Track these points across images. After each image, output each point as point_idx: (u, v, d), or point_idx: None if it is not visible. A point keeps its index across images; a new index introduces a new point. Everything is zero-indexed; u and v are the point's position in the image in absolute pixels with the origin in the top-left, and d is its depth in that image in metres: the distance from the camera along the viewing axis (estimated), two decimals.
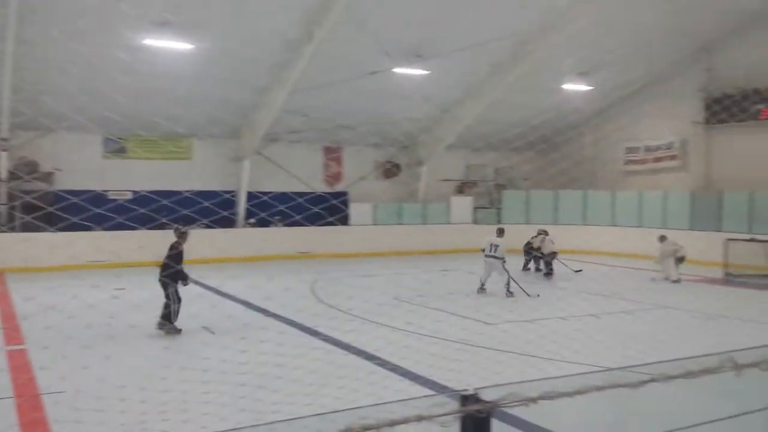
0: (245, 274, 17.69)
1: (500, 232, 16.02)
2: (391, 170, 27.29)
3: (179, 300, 10.74)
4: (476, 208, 27.15)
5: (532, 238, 19.43)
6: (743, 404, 6.82)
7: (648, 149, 25.89)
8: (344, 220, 24.10)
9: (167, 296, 10.62)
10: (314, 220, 20.93)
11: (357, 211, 24.74)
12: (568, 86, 23.42)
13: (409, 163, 27.30)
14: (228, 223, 22.49)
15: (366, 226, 24.55)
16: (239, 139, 23.41)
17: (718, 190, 22.63)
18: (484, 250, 15.08)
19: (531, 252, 19.38)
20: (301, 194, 21.87)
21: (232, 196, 23.05)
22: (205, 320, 11.24)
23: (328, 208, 23.43)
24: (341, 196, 24.68)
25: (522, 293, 14.42)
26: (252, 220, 23.14)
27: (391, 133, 23.58)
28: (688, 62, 23.82)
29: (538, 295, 14.48)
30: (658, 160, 25.53)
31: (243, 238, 22.29)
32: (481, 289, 15.04)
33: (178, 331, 10.61)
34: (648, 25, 20.17)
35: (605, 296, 14.66)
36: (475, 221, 26.55)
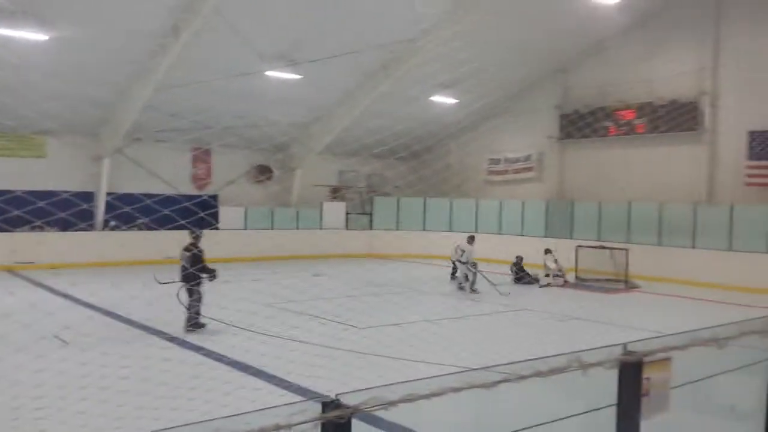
0: (104, 280, 16.70)
1: (471, 240, 17.74)
2: (263, 174, 26.88)
3: (200, 297, 11.48)
4: (348, 214, 27.39)
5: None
6: (592, 401, 7.38)
7: (508, 161, 27.43)
8: (213, 224, 23.39)
9: (191, 296, 11.34)
10: (179, 222, 20.12)
11: (227, 215, 24.11)
12: (436, 98, 24.27)
13: (282, 168, 27.03)
14: (87, 225, 21.09)
15: (236, 231, 24.00)
16: (99, 137, 22.07)
17: (571, 200, 24.42)
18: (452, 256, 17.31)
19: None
20: (167, 196, 20.98)
21: (90, 197, 21.65)
22: (59, 329, 10.50)
23: (196, 212, 22.62)
24: (210, 199, 23.93)
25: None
26: (113, 223, 21.88)
27: (264, 136, 23.22)
28: (546, 80, 25.54)
29: (509, 293, 15.81)
30: (517, 171, 27.12)
31: (103, 242, 21.00)
32: (460, 286, 17.17)
33: (203, 325, 11.34)
34: (510, 43, 21.39)
35: (468, 300, 15.31)
36: (348, 227, 26.80)
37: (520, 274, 19.30)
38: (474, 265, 16.77)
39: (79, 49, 17.23)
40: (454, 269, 18.87)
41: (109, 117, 21.20)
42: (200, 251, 11.80)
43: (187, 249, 11.72)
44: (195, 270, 11.22)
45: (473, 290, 16.57)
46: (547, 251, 19.56)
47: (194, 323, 11.30)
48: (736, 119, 20.41)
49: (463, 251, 16.97)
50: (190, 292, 11.43)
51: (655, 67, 22.21)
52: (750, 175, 19.98)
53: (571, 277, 19.58)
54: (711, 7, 21.00)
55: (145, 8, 16.40)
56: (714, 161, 21.29)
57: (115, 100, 20.34)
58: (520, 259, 19.55)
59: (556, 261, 19.33)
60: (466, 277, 16.80)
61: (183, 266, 11.54)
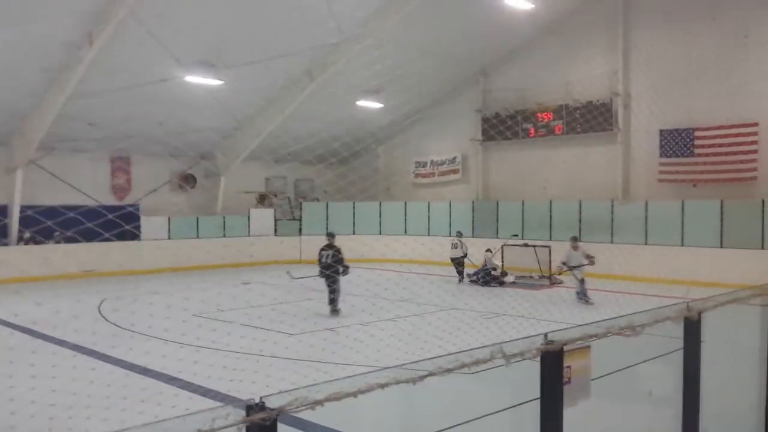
0: (20, 297, 15.90)
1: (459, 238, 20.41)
2: (186, 182, 26.22)
3: (339, 289, 13.82)
4: (277, 220, 27.09)
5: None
6: (518, 393, 7.58)
7: (434, 163, 27.85)
8: (135, 235, 22.63)
9: (332, 288, 13.71)
10: (100, 235, 19.43)
11: (149, 224, 23.38)
12: (362, 102, 24.35)
13: (206, 175, 26.47)
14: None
15: (160, 241, 23.31)
16: (10, 147, 20.97)
17: (495, 200, 25.01)
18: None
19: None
20: (84, 207, 20.15)
21: (2, 210, 20.54)
22: None
23: (116, 222, 21.84)
24: (131, 209, 23.12)
25: None
26: (27, 235, 20.82)
27: (186, 143, 22.69)
28: (468, 84, 26.10)
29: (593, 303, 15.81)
30: (443, 173, 27.57)
31: (17, 257, 19.98)
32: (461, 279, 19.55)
33: (339, 311, 13.64)
34: (431, 48, 21.73)
35: (399, 301, 15.41)
36: (277, 233, 26.50)
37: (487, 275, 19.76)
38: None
39: None
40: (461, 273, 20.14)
41: (22, 126, 20.19)
42: (339, 250, 14.06)
43: (328, 248, 14.00)
44: (336, 270, 13.61)
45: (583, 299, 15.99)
46: (488, 251, 20.11)
47: (335, 309, 13.73)
48: (648, 119, 21.41)
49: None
50: (332, 284, 13.69)
51: (571, 70, 23.09)
52: (662, 172, 21.01)
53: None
54: (620, 13, 22.00)
55: (57, 13, 15.75)
56: (628, 160, 22.28)
57: (28, 108, 19.40)
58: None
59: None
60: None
61: (325, 263, 13.71)
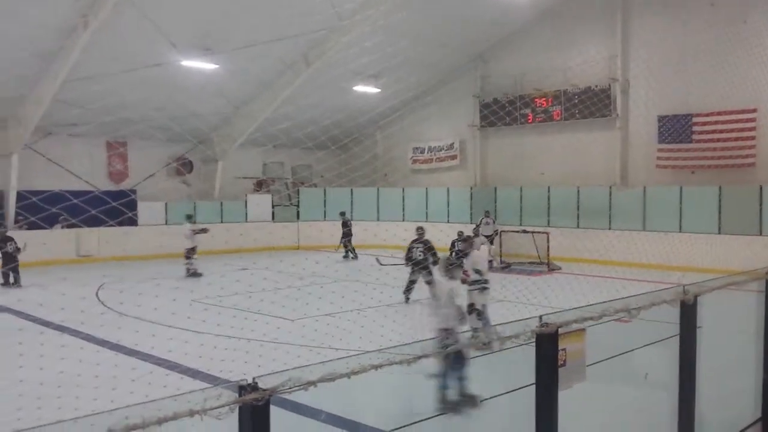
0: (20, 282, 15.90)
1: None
2: (183, 167, 26.12)
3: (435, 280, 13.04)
4: (275, 206, 27.03)
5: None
6: (514, 379, 7.59)
7: (431, 149, 27.76)
8: (132, 221, 22.59)
9: (428, 280, 13.02)
10: (97, 220, 19.34)
11: (146, 210, 23.31)
12: (359, 88, 24.22)
13: (204, 160, 26.37)
14: None
15: (157, 226, 23.24)
16: (6, 132, 20.84)
17: (493, 187, 24.96)
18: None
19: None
20: (81, 193, 20.05)
21: None
22: None
23: (113, 208, 21.74)
24: (128, 194, 23.05)
25: None
26: (21, 219, 20.73)
27: (183, 128, 22.57)
28: (465, 69, 25.94)
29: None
30: (441, 159, 27.49)
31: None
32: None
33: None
34: (428, 33, 21.58)
35: (398, 287, 15.39)
36: (274, 219, 26.46)
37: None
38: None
39: None
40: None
41: (17, 111, 20.07)
42: (429, 242, 14.52)
43: (418, 242, 14.37)
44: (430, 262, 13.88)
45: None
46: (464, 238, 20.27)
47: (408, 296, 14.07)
48: (646, 105, 21.33)
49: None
50: (428, 275, 13.65)
51: (569, 56, 22.94)
52: (660, 158, 20.96)
53: (496, 261, 20.05)
54: None
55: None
56: (626, 146, 22.22)
57: (23, 94, 19.28)
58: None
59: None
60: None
61: (417, 258, 14.09)
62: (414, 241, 14.56)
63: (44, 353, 6.76)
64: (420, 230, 14.92)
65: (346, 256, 22.88)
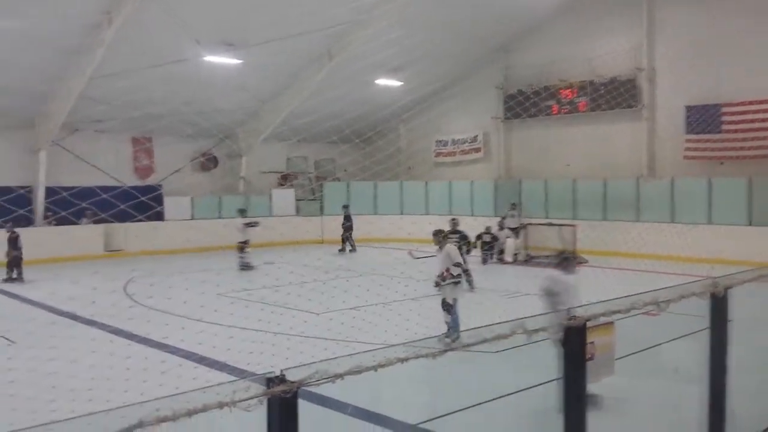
0: (48, 277, 16.20)
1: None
2: (208, 162, 26.35)
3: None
4: (299, 200, 27.15)
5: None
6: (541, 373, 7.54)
7: (455, 142, 27.62)
8: (159, 215, 22.84)
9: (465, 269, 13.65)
10: (125, 215, 19.64)
11: (173, 205, 23.58)
12: (381, 81, 24.17)
13: (228, 155, 26.56)
14: (26, 221, 20.29)
15: (183, 221, 23.50)
16: (35, 129, 21.22)
17: (518, 179, 24.77)
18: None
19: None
20: (109, 188, 20.38)
21: (28, 191, 20.82)
22: (2, 329, 10.21)
23: (140, 203, 22.05)
24: (154, 190, 23.31)
25: None
26: (50, 215, 21.11)
27: (208, 123, 22.76)
28: (488, 61, 25.70)
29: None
30: (464, 152, 27.34)
31: (43, 238, 20.26)
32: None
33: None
34: (451, 25, 21.42)
35: (423, 281, 15.37)
36: (298, 213, 26.59)
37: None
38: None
39: (10, 39, 16.54)
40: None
41: (44, 108, 20.42)
42: (465, 233, 15.53)
43: (454, 233, 14.77)
44: (464, 243, 14.78)
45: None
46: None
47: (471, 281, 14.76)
48: (674, 95, 20.98)
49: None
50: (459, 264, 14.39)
51: (594, 45, 22.60)
52: (688, 149, 20.61)
53: (521, 254, 19.94)
54: None
55: None
56: (653, 137, 21.89)
57: (51, 90, 19.60)
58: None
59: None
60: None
61: (454, 242, 14.16)
62: (449, 232, 14.87)
63: (75, 347, 6.91)
64: (454, 221, 15.53)
65: (342, 250, 22.79)
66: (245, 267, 18.39)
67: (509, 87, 25.47)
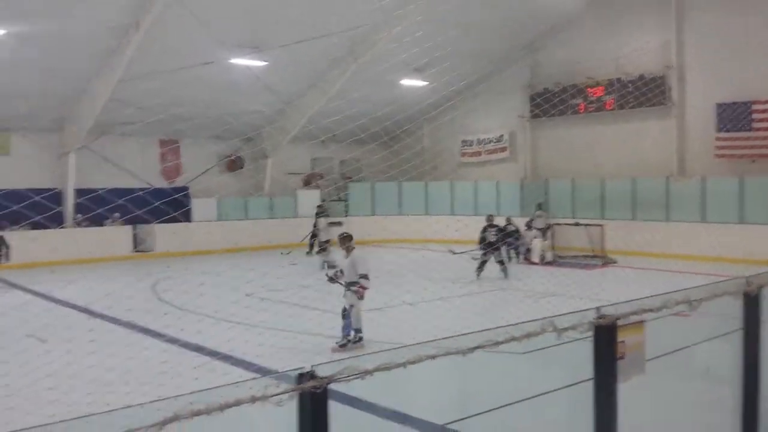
0: (78, 277, 16.47)
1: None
2: (234, 164, 26.58)
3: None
4: (323, 201, 27.22)
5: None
6: (571, 371, 7.47)
7: (480, 142, 27.49)
8: (186, 216, 23.08)
9: (499, 259, 16.39)
10: (153, 216, 19.84)
11: (200, 206, 23.85)
12: (406, 81, 24.16)
13: (254, 156, 26.76)
14: (57, 222, 20.66)
15: (210, 222, 23.75)
16: (64, 132, 21.62)
17: (545, 179, 24.56)
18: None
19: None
20: (137, 190, 20.65)
21: (57, 193, 21.18)
22: (34, 327, 10.40)
23: (168, 204, 22.28)
24: (182, 191, 23.59)
25: None
26: (79, 217, 21.46)
27: (233, 125, 22.96)
28: (514, 59, 25.53)
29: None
30: (490, 152, 27.19)
31: (74, 238, 20.63)
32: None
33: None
34: (476, 23, 21.32)
35: (450, 281, 15.34)
36: None
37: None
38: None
39: (39, 43, 16.85)
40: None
41: (73, 111, 20.79)
42: (501, 227, 17.41)
43: (491, 227, 16.69)
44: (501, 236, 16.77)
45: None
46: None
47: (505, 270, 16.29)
48: (704, 92, 20.65)
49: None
50: (498, 254, 16.38)
51: (622, 43, 22.32)
52: (719, 147, 20.27)
53: (549, 255, 19.75)
54: None
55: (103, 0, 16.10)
56: (683, 135, 21.56)
57: (79, 94, 19.96)
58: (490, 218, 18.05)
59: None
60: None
61: (491, 240, 16.38)
62: (487, 226, 16.80)
63: (113, 340, 7.02)
64: (490, 217, 17.11)
65: (309, 252, 21.80)
66: (331, 266, 17.92)
67: (535, 85, 25.27)
